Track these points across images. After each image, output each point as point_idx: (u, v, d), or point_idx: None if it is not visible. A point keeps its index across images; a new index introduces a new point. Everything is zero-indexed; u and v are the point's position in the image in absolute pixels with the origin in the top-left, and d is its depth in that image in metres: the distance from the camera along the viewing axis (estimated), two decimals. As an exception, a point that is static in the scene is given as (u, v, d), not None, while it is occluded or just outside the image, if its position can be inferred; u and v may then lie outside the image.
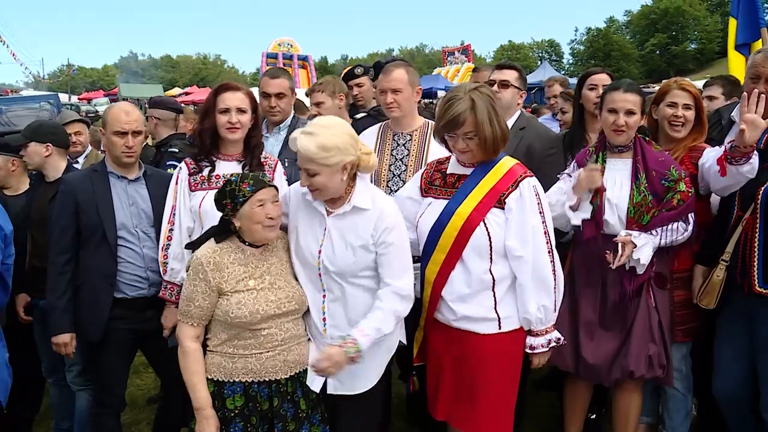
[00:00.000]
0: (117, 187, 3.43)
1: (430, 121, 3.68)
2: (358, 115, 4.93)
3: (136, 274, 3.37)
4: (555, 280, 2.84)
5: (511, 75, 4.03)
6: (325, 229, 2.79)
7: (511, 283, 2.85)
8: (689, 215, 3.22)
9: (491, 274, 2.81)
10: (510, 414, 2.96)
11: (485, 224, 2.78)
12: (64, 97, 34.00)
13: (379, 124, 3.81)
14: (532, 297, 2.80)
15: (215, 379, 2.75)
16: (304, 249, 2.83)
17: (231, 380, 2.73)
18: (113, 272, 3.33)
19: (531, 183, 2.82)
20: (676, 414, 3.60)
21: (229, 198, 2.69)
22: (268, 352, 2.73)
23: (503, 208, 2.80)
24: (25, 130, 3.96)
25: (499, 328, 2.84)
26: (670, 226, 3.17)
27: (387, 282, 2.75)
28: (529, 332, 2.89)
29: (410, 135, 3.61)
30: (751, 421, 3.23)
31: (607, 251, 3.16)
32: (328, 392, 2.85)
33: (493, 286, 2.82)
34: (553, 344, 2.90)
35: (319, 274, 2.81)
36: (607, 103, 3.27)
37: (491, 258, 2.81)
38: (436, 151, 3.50)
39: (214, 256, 2.71)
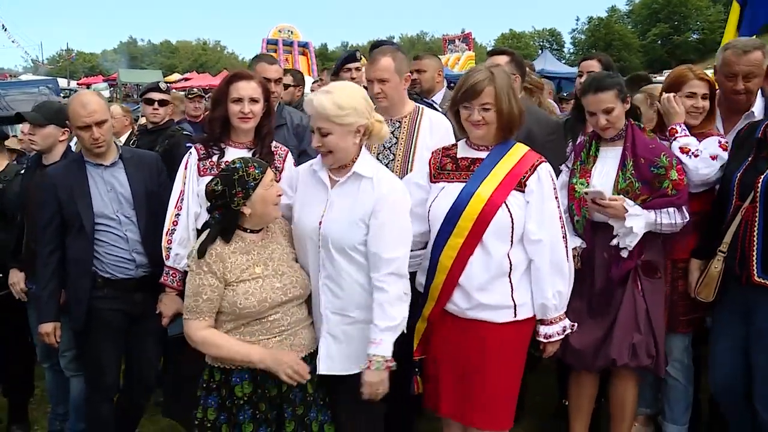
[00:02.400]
0: (94, 175, 3.42)
1: (421, 106, 3.60)
2: None
3: (121, 256, 3.38)
4: (569, 266, 2.89)
5: (501, 60, 4.00)
6: (327, 201, 2.80)
7: (525, 270, 2.88)
8: (683, 206, 3.23)
9: (509, 258, 2.83)
10: (513, 403, 2.98)
11: (507, 206, 2.80)
12: (63, 82, 33.83)
13: None
14: (549, 282, 2.83)
15: (222, 367, 2.71)
16: (306, 222, 2.83)
17: (239, 367, 2.69)
18: (90, 259, 3.35)
19: (547, 168, 2.88)
20: (676, 405, 3.59)
21: (239, 186, 2.61)
22: (275, 337, 2.71)
23: (523, 191, 2.83)
24: (45, 111, 3.88)
25: (515, 316, 2.85)
26: (664, 209, 3.18)
27: (380, 257, 2.69)
28: (542, 321, 2.90)
29: (399, 122, 3.49)
30: (748, 413, 3.21)
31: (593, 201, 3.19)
32: (319, 372, 2.81)
33: (510, 272, 2.84)
34: (568, 331, 2.94)
35: (318, 247, 2.79)
36: (586, 107, 3.31)
37: (512, 241, 2.82)
38: (426, 137, 3.43)
39: (215, 247, 2.67)
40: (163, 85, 5.08)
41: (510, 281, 2.84)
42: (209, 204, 2.71)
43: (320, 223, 2.78)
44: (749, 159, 3.14)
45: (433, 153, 3.12)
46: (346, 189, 2.79)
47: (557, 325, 2.90)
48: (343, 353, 2.81)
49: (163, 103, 4.98)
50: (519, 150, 2.91)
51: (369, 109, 2.76)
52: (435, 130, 3.45)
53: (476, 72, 2.88)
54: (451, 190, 2.91)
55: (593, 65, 3.99)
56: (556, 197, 2.87)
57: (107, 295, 3.37)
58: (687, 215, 3.23)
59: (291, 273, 2.78)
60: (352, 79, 4.46)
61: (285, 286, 2.73)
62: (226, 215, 2.67)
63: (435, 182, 3.01)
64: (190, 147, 4.27)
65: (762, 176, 3.00)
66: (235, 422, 2.70)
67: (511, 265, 2.83)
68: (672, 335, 3.45)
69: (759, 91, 3.54)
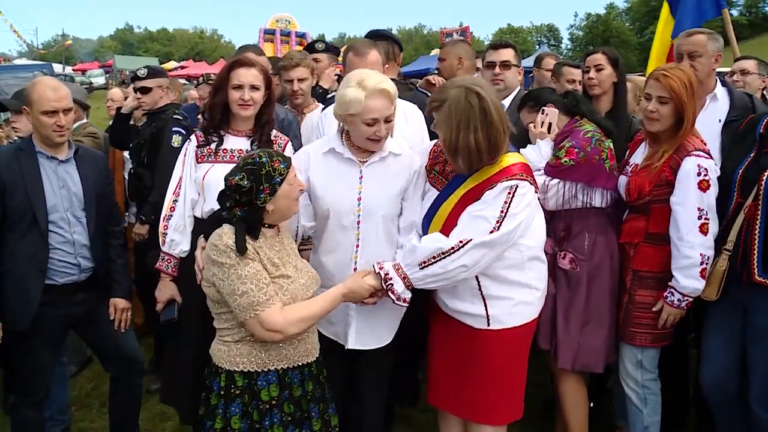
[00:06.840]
0: (46, 168, 3.26)
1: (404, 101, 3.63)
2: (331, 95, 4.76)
3: (67, 261, 3.26)
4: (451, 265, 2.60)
5: (509, 54, 4.06)
6: (361, 178, 2.86)
7: (499, 282, 2.76)
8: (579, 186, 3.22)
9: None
10: (507, 400, 2.91)
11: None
12: (58, 68, 33.61)
13: None
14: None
15: (245, 370, 2.51)
16: (338, 202, 2.87)
17: (265, 369, 2.52)
18: (45, 258, 3.18)
19: (511, 184, 2.64)
20: (632, 426, 3.43)
21: (266, 182, 2.42)
22: (291, 344, 2.57)
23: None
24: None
25: (488, 325, 2.78)
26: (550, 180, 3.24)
27: (414, 223, 2.92)
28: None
29: None
30: (737, 412, 3.19)
31: None
32: (350, 347, 2.92)
33: (478, 281, 2.75)
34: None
35: (358, 222, 2.86)
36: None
37: None
38: (402, 127, 3.45)
39: (248, 240, 2.46)
40: (141, 72, 4.77)
41: (479, 288, 2.76)
42: (231, 200, 2.46)
43: (359, 198, 2.85)
44: (751, 155, 3.11)
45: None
46: (379, 165, 2.89)
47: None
48: (371, 328, 2.93)
49: (144, 90, 4.70)
50: (499, 164, 2.69)
51: None
52: (410, 120, 3.54)
53: (444, 88, 2.72)
54: (430, 197, 2.91)
55: (601, 59, 3.85)
56: (503, 211, 2.61)
57: (46, 301, 3.19)
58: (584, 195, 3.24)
59: (306, 269, 2.67)
60: (316, 62, 4.71)
61: (306, 282, 2.60)
62: (250, 212, 2.47)
63: (428, 175, 2.97)
64: (176, 130, 4.26)
65: (765, 173, 2.97)
66: (258, 428, 2.49)
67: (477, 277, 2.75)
68: (623, 344, 3.34)
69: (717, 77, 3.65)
